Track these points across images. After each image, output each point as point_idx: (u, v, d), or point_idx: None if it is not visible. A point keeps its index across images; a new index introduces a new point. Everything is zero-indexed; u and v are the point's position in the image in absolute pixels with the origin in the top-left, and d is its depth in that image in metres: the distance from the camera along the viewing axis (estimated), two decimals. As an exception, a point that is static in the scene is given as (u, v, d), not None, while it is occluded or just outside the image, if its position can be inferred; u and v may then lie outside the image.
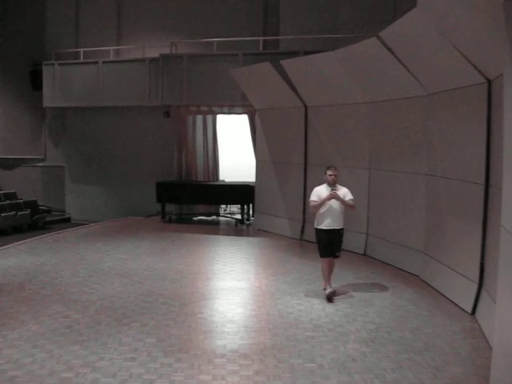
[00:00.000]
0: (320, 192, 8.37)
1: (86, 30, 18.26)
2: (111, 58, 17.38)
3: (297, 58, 13.27)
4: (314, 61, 11.73)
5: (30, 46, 18.33)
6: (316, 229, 8.47)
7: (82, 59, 17.45)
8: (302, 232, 13.23)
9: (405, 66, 9.24)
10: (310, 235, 12.93)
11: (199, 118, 17.30)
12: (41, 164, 18.65)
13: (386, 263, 10.68)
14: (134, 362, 5.99)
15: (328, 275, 8.51)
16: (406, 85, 9.66)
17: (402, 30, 8.52)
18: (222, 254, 11.87)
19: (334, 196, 8.18)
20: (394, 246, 10.62)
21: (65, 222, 17.36)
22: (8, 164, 18.78)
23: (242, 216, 16.03)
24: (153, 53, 16.60)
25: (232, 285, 9.21)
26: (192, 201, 16.45)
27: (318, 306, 8.03)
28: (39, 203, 17.10)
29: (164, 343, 6.55)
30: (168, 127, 17.26)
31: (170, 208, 16.60)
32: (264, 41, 16.04)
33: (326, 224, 8.36)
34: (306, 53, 13.18)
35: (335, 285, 8.73)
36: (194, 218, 16.84)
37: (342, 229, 8.46)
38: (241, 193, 15.58)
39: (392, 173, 10.68)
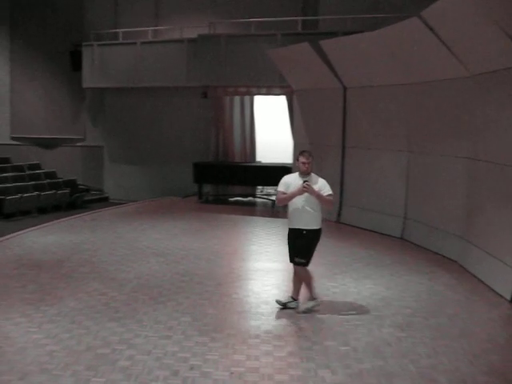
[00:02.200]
0: (289, 182, 6.92)
1: (124, 10, 18.32)
2: (149, 38, 17.43)
3: (336, 38, 13.06)
4: (354, 41, 11.53)
5: (70, 27, 18.49)
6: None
7: (120, 40, 17.55)
8: (339, 214, 13.13)
9: (447, 47, 9.00)
10: (347, 218, 12.86)
11: (237, 99, 17.26)
12: (80, 144, 18.91)
13: (424, 248, 10.52)
14: (169, 340, 6.05)
15: (295, 285, 7.15)
16: (448, 66, 9.42)
17: (445, 9, 8.29)
18: (258, 235, 11.87)
19: (306, 189, 6.65)
20: (432, 231, 10.45)
21: (103, 201, 17.58)
22: (49, 144, 19.09)
23: (279, 197, 15.97)
24: (191, 33, 16.57)
25: (267, 266, 9.21)
26: (229, 182, 16.48)
27: (354, 290, 7.97)
28: (78, 182, 17.35)
29: (199, 322, 6.60)
30: (205, 108, 17.26)
31: (207, 189, 16.66)
32: (303, 21, 15.84)
33: (292, 222, 6.94)
34: (346, 33, 12.95)
35: (367, 275, 8.59)
36: (231, 199, 16.87)
37: (309, 230, 6.82)
38: (278, 174, 15.43)
39: (432, 156, 10.48)
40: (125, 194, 17.69)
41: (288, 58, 13.77)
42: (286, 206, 7.10)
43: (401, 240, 11.32)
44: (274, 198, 16.29)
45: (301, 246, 6.88)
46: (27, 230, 12.06)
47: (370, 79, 11.88)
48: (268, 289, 8.00)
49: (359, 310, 7.15)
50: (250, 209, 15.63)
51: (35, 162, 18.44)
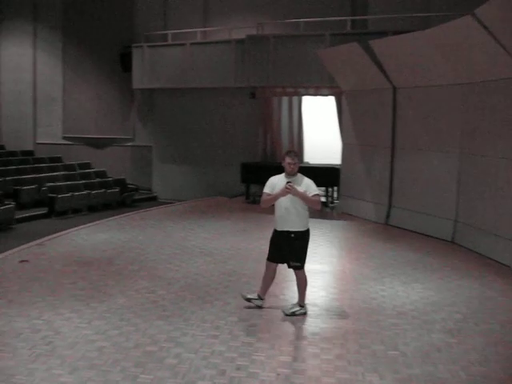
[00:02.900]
0: (275, 183, 6.82)
1: (174, 12, 18.51)
2: (198, 39, 17.57)
3: (386, 37, 12.90)
4: (405, 41, 11.35)
5: (120, 29, 18.81)
6: None
7: (170, 41, 17.74)
8: (388, 217, 12.95)
9: (502, 46, 8.76)
10: (396, 220, 12.67)
11: (285, 99, 17.24)
12: (130, 144, 19.20)
13: (475, 251, 10.26)
14: (216, 340, 6.07)
15: (265, 284, 7.07)
16: (503, 65, 9.17)
17: (500, 6, 8.06)
18: (305, 236, 11.79)
19: (289, 190, 6.56)
20: (484, 234, 10.19)
21: (151, 200, 17.81)
22: (99, 143, 19.47)
23: (327, 198, 15.89)
24: (239, 34, 16.63)
25: (314, 267, 9.14)
26: (276, 182, 16.39)
27: (403, 293, 7.83)
28: (127, 182, 17.62)
29: (246, 322, 6.60)
30: (253, 108, 17.30)
31: (254, 189, 16.66)
32: (352, 20, 15.69)
33: (277, 224, 6.85)
34: (396, 32, 12.76)
35: (420, 277, 8.44)
36: (278, 200, 16.80)
37: (296, 232, 6.74)
38: (326, 175, 15.40)
39: (485, 158, 10.21)
40: (173, 193, 17.87)
41: (337, 58, 13.67)
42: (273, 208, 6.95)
43: (451, 243, 11.07)
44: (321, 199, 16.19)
45: (292, 250, 6.81)
46: (78, 227, 12.32)
47: (421, 79, 11.67)
48: (315, 290, 7.94)
49: (408, 314, 7.02)
50: (297, 210, 15.52)
51: (86, 162, 18.83)
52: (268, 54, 15.78)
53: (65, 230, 12.01)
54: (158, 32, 18.05)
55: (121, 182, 17.25)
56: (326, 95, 16.31)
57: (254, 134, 17.35)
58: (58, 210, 14.76)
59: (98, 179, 17.33)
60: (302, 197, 6.66)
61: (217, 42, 17.18)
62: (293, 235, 6.74)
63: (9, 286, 7.95)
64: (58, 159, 18.90)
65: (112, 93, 19.26)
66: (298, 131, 17.29)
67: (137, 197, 17.34)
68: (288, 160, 6.77)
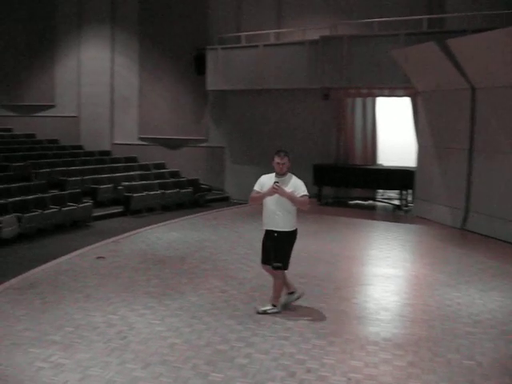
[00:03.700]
0: (264, 182, 6.88)
1: (247, 14, 18.60)
2: (271, 41, 17.59)
3: (465, 36, 12.48)
4: (485, 39, 10.96)
5: (194, 32, 19.07)
6: None
7: (243, 43, 17.86)
8: (464, 221, 12.55)
9: None
10: (474, 225, 12.26)
11: (358, 100, 17.02)
12: (203, 144, 19.44)
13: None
14: (287, 341, 6.06)
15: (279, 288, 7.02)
16: None
17: None
18: (378, 239, 11.61)
19: (276, 190, 6.61)
20: None
21: (223, 200, 17.95)
22: (173, 144, 19.82)
23: (400, 202, 15.59)
24: (313, 35, 16.52)
25: (387, 272, 8.98)
26: (349, 184, 16.25)
27: (479, 301, 7.56)
28: (201, 182, 17.85)
29: (316, 325, 6.56)
30: (326, 110, 17.17)
31: (327, 191, 16.55)
32: (428, 19, 15.28)
33: (264, 223, 6.92)
34: (475, 31, 12.33)
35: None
36: (350, 202, 16.64)
37: (281, 232, 6.74)
38: (400, 178, 15.12)
39: None
40: (245, 194, 17.74)
41: (413, 58, 13.36)
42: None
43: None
44: (395, 202, 15.90)
45: (275, 250, 6.78)
46: (152, 226, 12.61)
47: (502, 79, 11.24)
48: (388, 295, 7.80)
49: (485, 323, 6.77)
50: (370, 213, 15.33)
51: (160, 162, 19.22)
52: (342, 55, 15.61)
53: (139, 228, 12.32)
54: (232, 34, 18.20)
55: (194, 182, 17.49)
56: (401, 96, 15.99)
57: (327, 136, 17.21)
58: (133, 208, 15.12)
59: (171, 179, 17.64)
60: (289, 197, 6.64)
61: (290, 44, 17.14)
62: (276, 234, 6.75)
63: (86, 281, 8.22)
64: (134, 159, 19.37)
65: (186, 94, 19.58)
66: (372, 133, 17.03)
67: (209, 197, 17.53)
68: (277, 159, 6.80)
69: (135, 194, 15.22)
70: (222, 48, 17.87)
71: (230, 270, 8.82)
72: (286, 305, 7.05)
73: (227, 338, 6.14)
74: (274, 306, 6.95)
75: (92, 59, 20.43)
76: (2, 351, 5.76)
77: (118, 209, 15.21)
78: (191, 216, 14.07)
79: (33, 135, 20.54)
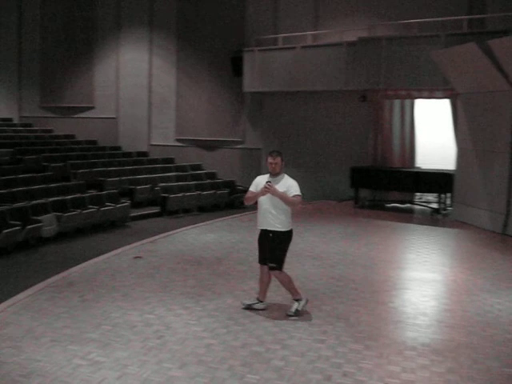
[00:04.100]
0: (259, 182, 6.95)
1: (284, 15, 18.59)
2: (309, 42, 17.54)
3: (507, 37, 12.23)
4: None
5: (232, 34, 19.13)
6: None
7: (280, 44, 17.84)
8: (505, 226, 12.28)
9: None
10: (514, 230, 12.00)
11: (396, 102, 16.82)
12: (239, 146, 19.50)
13: None
14: (323, 344, 6.02)
15: (261, 285, 7.12)
16: None
17: None
18: (416, 243, 11.45)
19: (268, 190, 6.67)
20: None
21: (259, 202, 17.94)
22: (210, 145, 19.93)
23: (439, 205, 15.35)
24: (350, 36, 16.43)
25: (425, 276, 8.84)
26: (387, 187, 16.05)
27: (521, 307, 7.39)
28: (237, 183, 17.89)
29: (353, 329, 6.49)
30: (363, 112, 17.03)
31: (364, 193, 16.40)
32: (469, 20, 15.03)
33: (258, 223, 6.99)
34: (517, 31, 12.11)
35: None
36: (388, 205, 16.46)
37: (275, 232, 6.80)
38: (438, 181, 14.87)
39: None
40: (280, 196, 17.93)
41: (453, 59, 13.16)
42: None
43: None
44: (433, 205, 15.66)
45: (269, 250, 6.83)
46: (188, 227, 12.68)
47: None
48: (426, 300, 7.68)
49: (528, 329, 6.61)
50: (407, 216, 15.12)
51: (197, 163, 19.34)
52: (380, 57, 15.47)
53: (176, 228, 12.41)
54: (269, 36, 18.22)
55: (230, 184, 17.55)
56: (440, 98, 15.75)
57: (364, 138, 17.07)
58: (170, 209, 15.25)
59: (208, 180, 17.73)
60: (281, 197, 6.69)
61: (327, 45, 17.05)
62: (271, 234, 6.80)
63: (124, 280, 8.31)
64: (171, 160, 19.54)
65: (223, 96, 19.66)
66: (410, 135, 16.80)
67: (245, 199, 17.53)
68: (269, 160, 6.85)
69: (172, 195, 15.34)
70: (259, 50, 17.88)
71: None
72: (249, 307, 7.07)
73: (263, 339, 6.13)
74: (298, 299, 6.94)
75: (130, 61, 20.70)
76: (41, 347, 5.86)
77: (155, 209, 15.36)
78: (227, 217, 14.12)
79: (72, 136, 20.92)
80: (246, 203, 7.21)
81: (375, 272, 9.05)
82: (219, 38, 19.35)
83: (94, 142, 20.57)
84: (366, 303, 7.45)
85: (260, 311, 6.98)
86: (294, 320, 6.71)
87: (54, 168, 16.42)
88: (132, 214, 14.18)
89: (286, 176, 6.95)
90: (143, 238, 11.38)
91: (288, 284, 6.97)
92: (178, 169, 18.63)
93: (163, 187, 15.84)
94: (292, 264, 9.24)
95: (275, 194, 6.68)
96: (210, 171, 18.78)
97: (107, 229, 13.11)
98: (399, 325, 6.74)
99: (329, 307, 7.22)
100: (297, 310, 6.87)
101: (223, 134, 19.62)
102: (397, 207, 16.20)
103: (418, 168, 16.38)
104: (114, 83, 21.04)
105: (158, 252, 10.18)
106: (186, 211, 15.58)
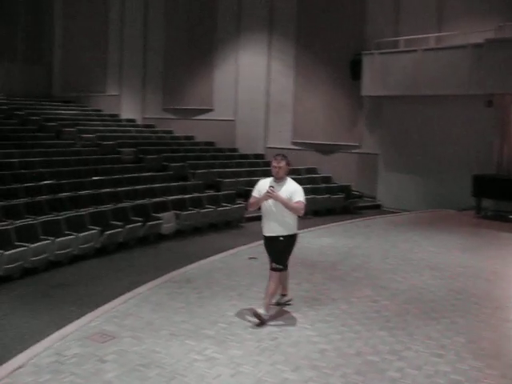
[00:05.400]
0: (261, 187, 6.74)
1: (406, 18, 18.11)
2: (431, 45, 16.99)
3: None
4: None
5: (351, 37, 18.90)
6: None
7: (401, 47, 17.42)
8: None
9: None
10: None
11: (525, 108, 15.89)
12: (356, 151, 19.22)
13: None
14: (441, 359, 5.78)
15: (282, 284, 7.09)
16: None
17: None
18: (545, 258, 10.71)
19: (270, 195, 6.46)
20: None
21: (375, 208, 17.58)
22: (326, 149, 19.80)
23: None
24: (476, 38, 15.72)
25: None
26: (512, 197, 15.12)
27: None
28: (352, 188, 17.67)
29: (474, 345, 6.18)
30: (488, 117, 16.19)
31: (486, 203, 15.59)
32: None
33: (265, 229, 6.77)
34: None
35: None
36: (512, 217, 15.54)
37: (284, 236, 6.63)
38: None
39: None
40: (397, 202, 17.49)
41: None
42: None
43: None
44: None
45: (277, 251, 6.68)
46: (303, 230, 12.55)
47: None
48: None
49: None
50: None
51: (313, 167, 19.30)
52: (509, 59, 14.66)
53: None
54: (390, 39, 17.84)
55: (346, 189, 17.35)
56: None
57: (488, 145, 16.23)
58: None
59: (323, 184, 17.64)
60: (283, 202, 6.52)
61: (451, 48, 16.42)
62: (281, 238, 6.63)
63: (239, 280, 8.44)
64: (286, 163, 19.64)
65: (340, 100, 19.49)
66: (542, 143, 15.78)
67: (360, 204, 17.30)
68: (273, 163, 6.71)
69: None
70: (379, 53, 17.57)
71: (382, 280, 8.58)
72: (279, 304, 7.04)
73: (378, 349, 5.98)
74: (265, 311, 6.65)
75: (249, 65, 21.06)
76: (160, 340, 6.07)
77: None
78: (342, 222, 13.93)
79: (192, 137, 21.61)
80: (249, 209, 7.02)
81: (499, 287, 8.57)
82: (338, 41, 19.21)
83: (212, 144, 21.13)
84: (487, 319, 7.05)
85: (376, 321, 6.80)
86: (410, 331, 6.48)
87: (174, 168, 17.02)
88: (247, 215, 14.39)
89: (289, 180, 6.79)
90: (258, 240, 11.45)
91: (277, 288, 6.81)
92: (293, 172, 18.51)
93: (278, 190, 15.92)
94: (409, 273, 9.01)
95: (277, 199, 6.52)
96: (325, 175, 18.68)
97: (223, 228, 13.40)
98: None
99: (447, 320, 6.90)
100: (260, 316, 6.58)
101: (340, 138, 19.44)
102: (523, 219, 15.26)
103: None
104: (233, 86, 21.49)
105: (272, 254, 10.22)
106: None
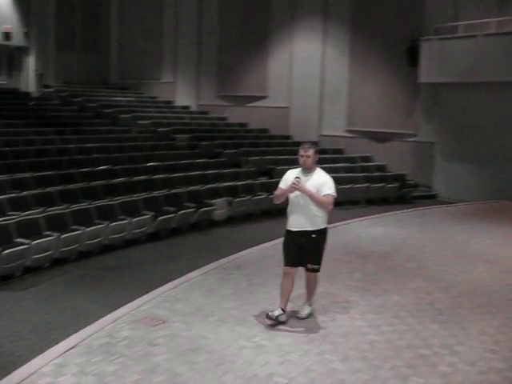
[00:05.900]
0: (289, 178, 6.17)
1: (465, 1, 17.56)
2: (492, 30, 16.43)
3: None
4: None
5: (408, 23, 18.44)
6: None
7: (460, 33, 16.91)
8: None
9: None
10: None
11: None
12: (412, 139, 18.80)
13: None
14: (495, 355, 5.62)
15: (285, 293, 6.22)
16: None
17: None
18: None
19: (296, 187, 5.93)
20: None
21: (430, 198, 17.18)
22: (381, 137, 19.46)
23: None
24: (541, 23, 15.12)
25: None
26: None
27: None
28: (407, 177, 17.33)
29: (531, 342, 5.97)
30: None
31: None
32: None
33: (291, 223, 6.18)
34: None
35: None
36: None
37: (316, 231, 6.10)
38: None
39: None
40: (454, 193, 17.04)
41: None
42: None
43: None
44: None
45: (311, 250, 6.17)
46: (356, 219, 12.50)
47: None
48: None
49: None
50: None
51: (367, 155, 19.01)
52: None
53: (343, 220, 12.26)
54: (448, 24, 17.33)
55: (400, 178, 17.01)
56: None
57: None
58: (338, 201, 15.13)
59: (377, 173, 17.35)
60: (309, 195, 6.02)
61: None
62: (314, 235, 6.13)
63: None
64: (340, 151, 19.41)
65: (396, 87, 19.08)
66: None
67: (415, 193, 16.96)
68: (301, 152, 6.16)
69: (339, 186, 15.19)
70: (438, 38, 17.10)
71: (436, 272, 8.40)
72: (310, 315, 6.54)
73: (430, 342, 5.85)
74: (311, 305, 6.54)
75: (304, 51, 20.84)
76: (210, 325, 6.12)
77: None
78: (396, 212, 13.70)
79: (245, 124, 21.60)
80: (275, 202, 6.48)
81: None
82: (395, 27, 18.78)
83: (265, 131, 21.07)
84: (547, 316, 6.81)
85: (428, 314, 6.66)
86: (464, 325, 6.32)
87: (227, 154, 17.08)
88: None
89: (319, 170, 6.29)
90: (309, 228, 11.41)
91: (315, 286, 6.51)
92: (347, 160, 18.46)
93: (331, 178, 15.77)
94: (464, 266, 8.79)
95: (304, 191, 6.01)
96: (380, 164, 18.38)
97: (275, 216, 13.34)
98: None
99: (504, 315, 6.70)
100: (308, 314, 6.43)
101: (395, 126, 19.05)
102: None
103: None
104: (287, 73, 21.33)
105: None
106: (354, 203, 15.39)
